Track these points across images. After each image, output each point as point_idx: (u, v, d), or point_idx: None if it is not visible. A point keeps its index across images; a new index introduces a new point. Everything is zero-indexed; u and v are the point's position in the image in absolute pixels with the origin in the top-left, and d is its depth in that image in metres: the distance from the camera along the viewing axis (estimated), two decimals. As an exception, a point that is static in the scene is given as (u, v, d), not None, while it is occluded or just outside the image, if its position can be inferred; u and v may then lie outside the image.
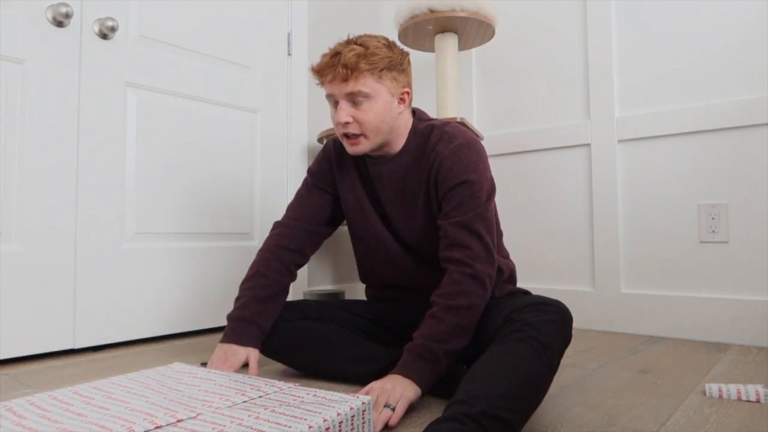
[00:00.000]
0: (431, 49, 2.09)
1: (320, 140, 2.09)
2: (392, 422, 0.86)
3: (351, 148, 1.13)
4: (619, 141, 1.84)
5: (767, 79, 1.59)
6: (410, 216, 1.19)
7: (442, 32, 1.92)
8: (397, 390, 0.90)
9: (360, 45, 1.08)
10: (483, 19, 1.82)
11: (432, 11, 1.80)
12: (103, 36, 1.59)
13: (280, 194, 2.10)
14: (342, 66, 1.06)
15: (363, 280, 1.36)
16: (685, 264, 1.70)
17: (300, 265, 1.27)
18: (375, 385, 0.91)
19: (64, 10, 1.48)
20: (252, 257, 1.98)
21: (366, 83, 1.07)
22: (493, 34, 1.95)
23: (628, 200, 1.83)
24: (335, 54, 1.08)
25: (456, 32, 1.92)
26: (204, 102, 1.87)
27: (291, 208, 1.30)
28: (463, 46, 2.03)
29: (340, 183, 1.27)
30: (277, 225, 1.28)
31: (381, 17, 2.58)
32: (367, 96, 1.08)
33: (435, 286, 1.13)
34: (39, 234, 1.45)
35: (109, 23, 1.57)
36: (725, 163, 1.65)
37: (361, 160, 1.24)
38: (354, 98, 1.08)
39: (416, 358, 0.96)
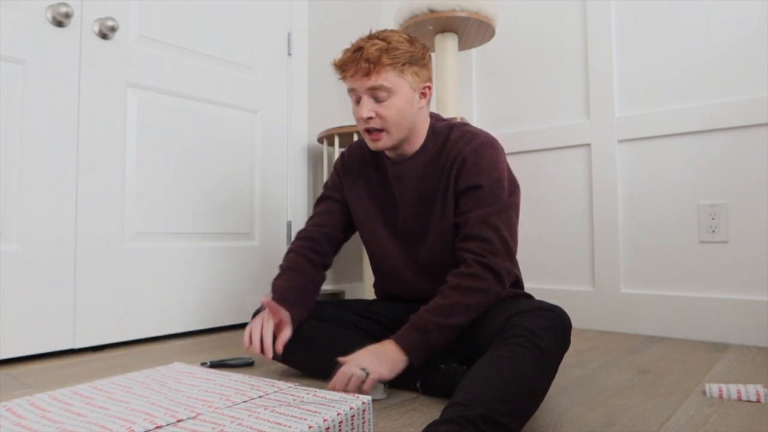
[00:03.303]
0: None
1: (320, 140, 2.09)
2: (348, 387, 0.92)
3: (372, 144, 1.13)
4: (619, 141, 1.84)
5: (767, 79, 1.59)
6: (427, 217, 1.18)
7: (442, 32, 1.92)
8: (374, 360, 0.95)
9: (382, 39, 1.08)
10: (483, 19, 1.82)
11: (432, 11, 1.80)
12: (103, 36, 1.59)
13: (280, 194, 2.10)
14: (364, 60, 1.06)
15: (374, 286, 1.37)
16: (685, 264, 1.70)
17: (326, 267, 1.29)
18: (366, 349, 0.98)
19: (64, 10, 1.48)
20: (252, 257, 1.98)
21: (388, 78, 1.07)
22: (493, 34, 1.95)
23: (628, 200, 1.82)
24: (357, 49, 1.08)
25: (456, 32, 1.92)
26: (204, 102, 1.87)
27: (311, 218, 1.33)
28: (463, 46, 2.03)
29: (349, 194, 1.29)
30: (300, 232, 1.30)
31: (381, 17, 2.58)
32: (388, 91, 1.08)
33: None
34: (39, 234, 1.46)
35: (109, 23, 1.57)
36: (725, 163, 1.65)
37: (382, 162, 1.24)
38: (376, 93, 1.08)
39: (410, 328, 0.99)
